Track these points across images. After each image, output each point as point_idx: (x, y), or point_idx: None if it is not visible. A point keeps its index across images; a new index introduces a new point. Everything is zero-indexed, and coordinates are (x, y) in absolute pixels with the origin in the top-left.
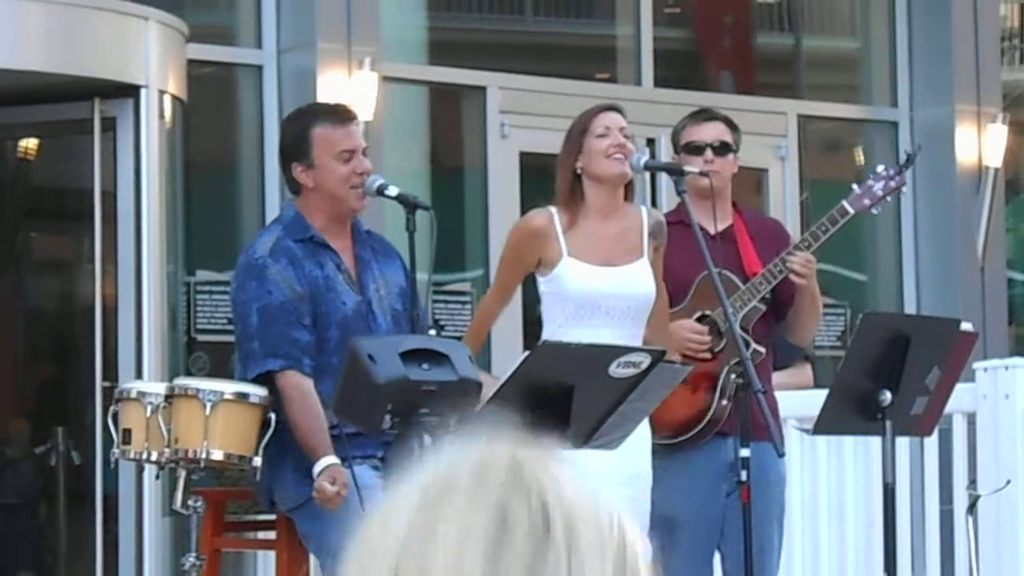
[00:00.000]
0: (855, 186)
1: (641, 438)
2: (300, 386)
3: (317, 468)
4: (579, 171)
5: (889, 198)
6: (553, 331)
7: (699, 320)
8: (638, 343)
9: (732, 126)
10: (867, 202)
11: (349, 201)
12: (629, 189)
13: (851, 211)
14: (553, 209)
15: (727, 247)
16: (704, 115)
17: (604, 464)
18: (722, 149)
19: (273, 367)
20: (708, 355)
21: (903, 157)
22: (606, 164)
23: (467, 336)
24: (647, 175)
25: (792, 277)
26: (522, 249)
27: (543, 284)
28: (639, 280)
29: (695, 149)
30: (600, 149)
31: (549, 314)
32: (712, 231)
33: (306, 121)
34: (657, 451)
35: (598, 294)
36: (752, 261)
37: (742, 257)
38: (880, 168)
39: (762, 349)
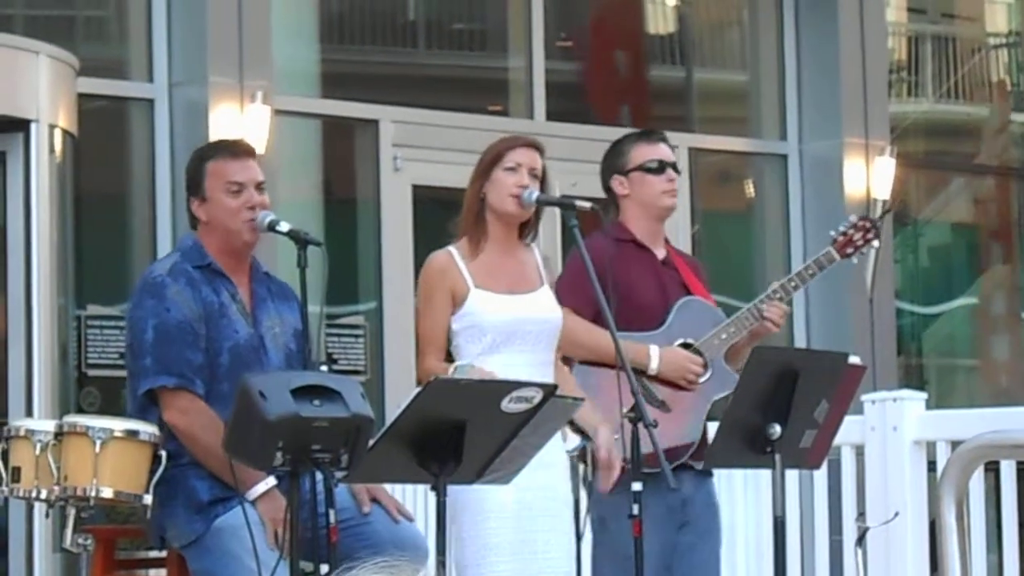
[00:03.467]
0: (833, 232)
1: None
2: (207, 409)
3: (260, 490)
4: (483, 197)
5: (865, 250)
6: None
7: (683, 348)
8: (551, 368)
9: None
10: (850, 251)
11: (241, 234)
12: (528, 224)
13: (838, 258)
14: (450, 248)
15: (672, 274)
16: (656, 136)
17: None
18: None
19: (167, 383)
20: (695, 386)
21: (878, 210)
22: (506, 201)
23: None
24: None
25: (768, 325)
26: (435, 289)
27: (455, 322)
28: (547, 306)
29: (657, 169)
30: (505, 184)
31: (466, 349)
32: (659, 256)
33: (204, 155)
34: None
35: (514, 320)
36: (697, 288)
37: (688, 284)
38: (854, 218)
39: None
